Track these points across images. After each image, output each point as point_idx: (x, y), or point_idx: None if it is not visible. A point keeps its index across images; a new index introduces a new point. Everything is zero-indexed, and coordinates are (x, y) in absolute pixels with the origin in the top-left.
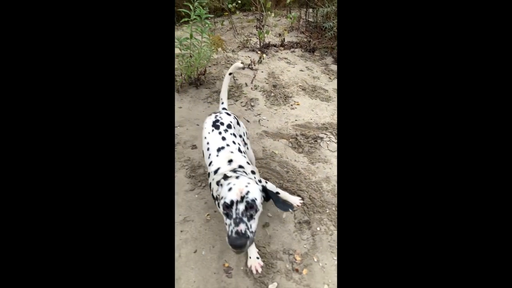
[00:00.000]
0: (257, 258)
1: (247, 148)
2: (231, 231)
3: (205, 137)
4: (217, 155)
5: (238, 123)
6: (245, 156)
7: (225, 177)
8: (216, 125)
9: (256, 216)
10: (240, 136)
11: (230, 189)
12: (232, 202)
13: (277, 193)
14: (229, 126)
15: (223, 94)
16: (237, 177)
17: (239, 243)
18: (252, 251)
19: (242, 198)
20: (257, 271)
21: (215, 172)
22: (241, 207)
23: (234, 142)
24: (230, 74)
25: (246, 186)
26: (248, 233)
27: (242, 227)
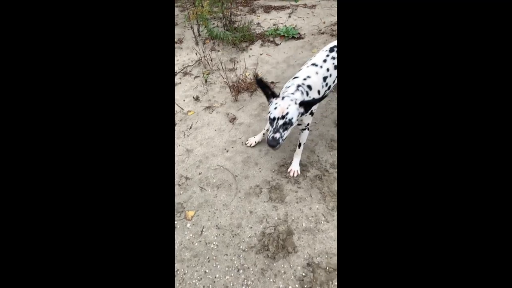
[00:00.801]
0: (298, 166)
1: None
2: (270, 136)
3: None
4: (306, 68)
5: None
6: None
7: (277, 96)
8: (331, 49)
9: (290, 128)
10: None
11: (275, 108)
12: (275, 118)
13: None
14: (333, 57)
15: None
16: (283, 98)
17: (272, 144)
18: (295, 161)
19: (283, 116)
20: (293, 175)
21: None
22: (281, 122)
23: (327, 70)
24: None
25: (287, 108)
26: (280, 140)
27: (277, 135)
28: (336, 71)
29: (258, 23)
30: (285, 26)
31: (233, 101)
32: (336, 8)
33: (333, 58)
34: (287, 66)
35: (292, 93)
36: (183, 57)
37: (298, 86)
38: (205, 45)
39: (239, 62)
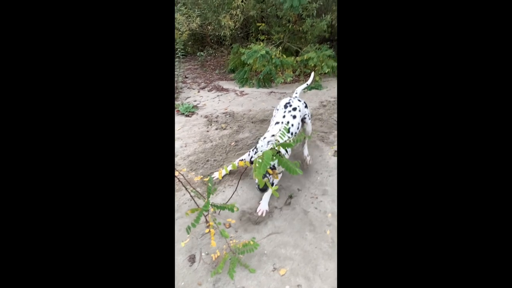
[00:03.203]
0: (266, 206)
1: (306, 123)
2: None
3: (274, 114)
4: (273, 127)
5: (305, 107)
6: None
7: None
8: (286, 106)
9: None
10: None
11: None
12: None
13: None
14: (294, 109)
15: (298, 90)
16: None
17: (262, 188)
18: (265, 200)
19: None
20: (261, 214)
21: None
22: None
23: (288, 122)
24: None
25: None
26: (269, 182)
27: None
28: (295, 120)
29: (200, 102)
30: (189, 103)
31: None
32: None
33: (290, 111)
34: None
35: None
36: None
37: (268, 141)
38: None
39: None
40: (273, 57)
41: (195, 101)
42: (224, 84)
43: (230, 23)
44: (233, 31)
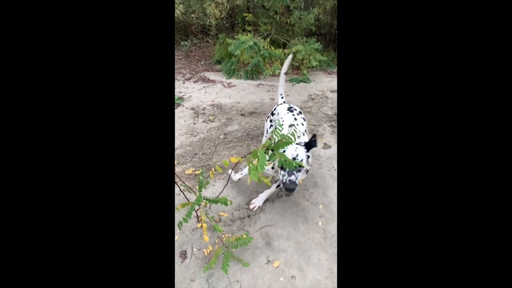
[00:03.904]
0: (261, 202)
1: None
2: (285, 179)
3: (282, 118)
4: (287, 129)
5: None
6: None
7: None
8: (290, 109)
9: (303, 170)
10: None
11: (284, 151)
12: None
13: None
14: (299, 113)
15: (281, 90)
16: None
17: (291, 187)
18: (263, 196)
19: (294, 159)
20: (253, 209)
21: None
22: None
23: (302, 124)
24: (285, 73)
25: (295, 150)
26: (296, 181)
27: (293, 177)
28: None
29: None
30: (177, 95)
31: None
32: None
33: (299, 114)
34: None
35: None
36: None
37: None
38: None
39: None
40: (261, 48)
41: (180, 92)
42: (210, 75)
43: (215, 11)
44: (219, 20)
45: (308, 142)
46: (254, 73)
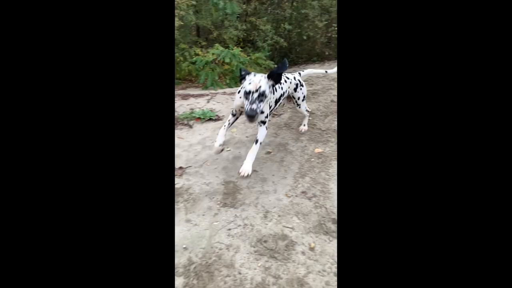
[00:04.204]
0: (250, 166)
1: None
2: (247, 108)
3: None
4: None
5: (301, 85)
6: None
7: (248, 74)
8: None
9: (265, 100)
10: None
11: (249, 83)
12: (250, 91)
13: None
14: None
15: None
16: (254, 75)
17: (251, 114)
18: (248, 160)
19: (256, 89)
20: (244, 175)
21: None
22: (255, 95)
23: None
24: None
25: (259, 81)
26: (258, 110)
27: (254, 106)
28: (287, 86)
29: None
30: (202, 109)
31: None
32: None
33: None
34: (202, 147)
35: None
36: None
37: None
38: None
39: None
40: (240, 55)
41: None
42: (193, 91)
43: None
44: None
45: (271, 72)
46: (236, 79)
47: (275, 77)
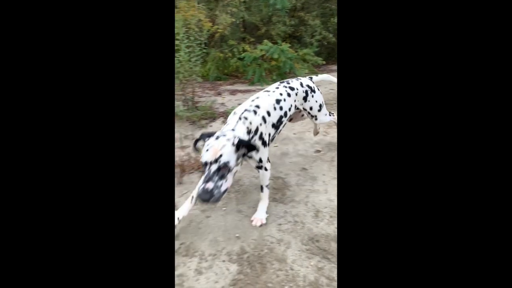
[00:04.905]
0: (263, 214)
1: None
2: (201, 187)
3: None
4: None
5: (312, 91)
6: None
7: (212, 135)
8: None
9: (230, 175)
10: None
11: (207, 150)
12: (206, 162)
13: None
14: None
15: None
16: (216, 138)
17: (203, 197)
18: (260, 208)
19: (216, 160)
20: (257, 225)
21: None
22: (214, 167)
23: (281, 94)
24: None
25: (221, 149)
26: (215, 191)
27: (209, 185)
28: (292, 100)
29: (222, 103)
30: None
31: (177, 183)
32: None
33: (286, 87)
34: None
35: (232, 129)
36: None
37: (241, 115)
38: None
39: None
40: (288, 51)
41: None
42: (234, 87)
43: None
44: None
45: (245, 141)
46: (282, 75)
47: (247, 146)
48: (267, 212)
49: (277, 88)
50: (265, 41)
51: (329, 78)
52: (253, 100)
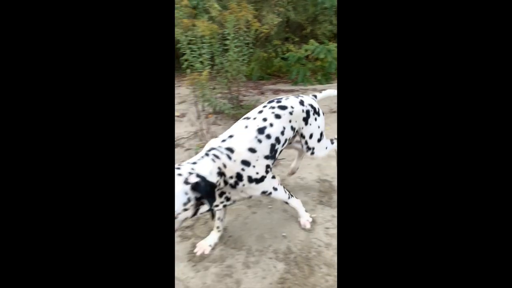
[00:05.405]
0: (306, 215)
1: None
2: None
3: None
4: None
5: (316, 113)
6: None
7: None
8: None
9: (178, 221)
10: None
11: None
12: None
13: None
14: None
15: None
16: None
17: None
18: (300, 213)
19: None
20: (307, 227)
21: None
22: None
23: (264, 119)
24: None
25: (178, 184)
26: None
27: None
28: (276, 125)
29: None
30: None
31: None
32: None
33: (274, 107)
34: None
35: (194, 162)
36: (180, 129)
37: (210, 150)
38: (207, 119)
39: None
40: (335, 51)
41: None
42: (282, 87)
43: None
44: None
45: (202, 182)
46: (327, 76)
47: (206, 193)
48: (311, 216)
49: (260, 112)
50: (311, 40)
51: (334, 93)
52: (223, 141)
